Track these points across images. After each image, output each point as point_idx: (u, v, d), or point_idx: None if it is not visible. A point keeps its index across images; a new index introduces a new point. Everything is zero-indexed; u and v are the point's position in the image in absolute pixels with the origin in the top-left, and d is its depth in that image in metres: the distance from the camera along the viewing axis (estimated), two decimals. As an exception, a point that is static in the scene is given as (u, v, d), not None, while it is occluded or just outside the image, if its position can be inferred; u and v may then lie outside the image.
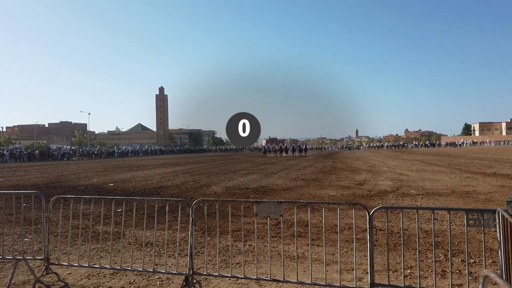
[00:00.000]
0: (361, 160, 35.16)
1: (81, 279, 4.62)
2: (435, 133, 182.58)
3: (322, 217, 7.14)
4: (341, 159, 39.28)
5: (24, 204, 8.12)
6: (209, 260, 5.13)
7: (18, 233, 6.81)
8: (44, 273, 4.48)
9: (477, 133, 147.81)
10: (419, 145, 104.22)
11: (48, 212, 4.51)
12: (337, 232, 6.52)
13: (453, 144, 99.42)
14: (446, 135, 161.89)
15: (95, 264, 4.55)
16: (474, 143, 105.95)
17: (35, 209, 8.49)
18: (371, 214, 3.60)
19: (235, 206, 8.99)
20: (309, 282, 3.78)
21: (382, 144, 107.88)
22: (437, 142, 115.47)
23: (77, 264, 4.52)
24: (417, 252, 3.62)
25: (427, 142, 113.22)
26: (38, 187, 15.50)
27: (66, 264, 4.56)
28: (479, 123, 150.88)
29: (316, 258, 5.20)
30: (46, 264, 4.48)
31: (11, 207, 8.93)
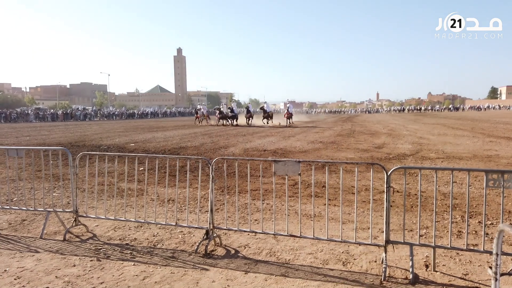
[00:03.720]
0: (381, 123, 34.66)
1: (108, 231, 4.89)
2: (460, 96, 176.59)
3: (339, 178, 7.21)
4: (360, 122, 38.82)
5: (51, 162, 8.46)
6: (228, 217, 5.32)
7: (46, 187, 7.16)
8: (73, 225, 4.76)
9: (503, 97, 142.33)
10: (441, 108, 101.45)
11: (75, 168, 4.71)
12: (354, 193, 6.61)
13: (477, 108, 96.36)
14: (471, 99, 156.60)
15: (120, 217, 4.79)
16: (500, 107, 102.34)
17: (62, 165, 8.84)
18: (389, 174, 3.62)
19: (252, 166, 9.14)
20: (325, 238, 3.90)
21: (403, 108, 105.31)
22: (461, 106, 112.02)
23: (104, 217, 4.77)
24: (434, 213, 3.66)
25: (450, 105, 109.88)
26: (63, 146, 16.03)
27: (94, 216, 4.82)
28: (507, 86, 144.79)
29: (332, 217, 5.31)
30: (75, 216, 4.75)
31: (38, 164, 9.33)
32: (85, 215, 4.84)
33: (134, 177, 7.68)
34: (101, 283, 3.43)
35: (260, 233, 4.24)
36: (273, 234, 4.20)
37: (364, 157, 11.59)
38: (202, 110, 37.98)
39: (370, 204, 3.89)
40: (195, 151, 13.74)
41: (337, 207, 5.71)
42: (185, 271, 3.68)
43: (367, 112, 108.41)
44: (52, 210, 4.88)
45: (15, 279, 3.50)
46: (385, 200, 3.60)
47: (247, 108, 34.80)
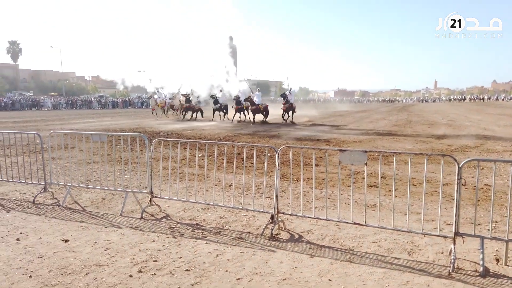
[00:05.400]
0: (439, 113, 32.96)
1: (179, 211, 5.28)
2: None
3: (397, 169, 7.12)
4: (417, 112, 37.17)
5: (118, 146, 9.16)
6: (288, 203, 5.50)
7: (118, 170, 7.77)
8: (148, 205, 5.19)
9: None
10: (508, 98, 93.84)
11: (151, 152, 5.12)
12: (415, 185, 6.50)
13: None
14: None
15: (191, 199, 5.14)
16: None
17: (131, 150, 9.52)
18: (460, 166, 3.58)
19: (308, 155, 9.22)
20: (391, 227, 3.95)
21: (464, 97, 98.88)
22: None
23: (176, 198, 5.16)
24: (508, 207, 3.57)
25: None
26: (126, 131, 17.08)
27: (167, 198, 5.22)
28: None
29: (395, 208, 5.30)
30: (150, 197, 5.18)
31: (108, 147, 10.11)
32: (159, 196, 5.25)
33: (195, 163, 8.10)
34: (180, 257, 3.76)
35: (323, 219, 4.38)
36: (337, 221, 4.32)
37: (424, 148, 11.21)
38: (157, 99, 28.26)
39: (440, 196, 3.86)
40: (249, 139, 14.05)
41: (398, 198, 5.68)
42: (253, 251, 3.92)
43: (423, 101, 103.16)
44: (130, 190, 5.35)
45: (105, 250, 3.94)
46: (455, 192, 3.57)
47: (237, 99, 23.41)
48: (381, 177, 7.13)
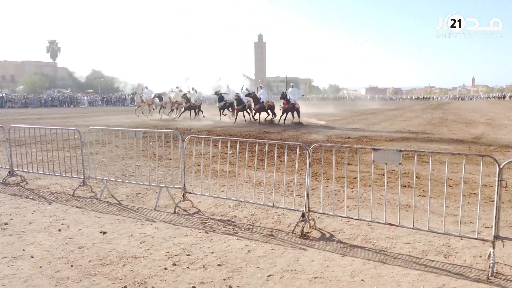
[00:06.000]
0: (477, 112, 31.64)
1: (210, 207, 5.37)
2: None
3: (432, 170, 6.92)
4: (453, 110, 35.86)
5: (151, 142, 9.41)
6: (319, 202, 5.47)
7: (152, 165, 7.99)
8: (181, 200, 5.31)
9: None
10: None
11: (184, 149, 5.24)
12: (451, 185, 6.30)
13: None
14: None
15: (222, 196, 5.22)
16: None
17: (165, 146, 9.76)
18: (501, 167, 3.44)
19: (338, 154, 9.12)
20: (426, 229, 3.85)
21: (504, 95, 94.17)
22: None
23: (207, 194, 5.25)
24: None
25: None
26: (158, 128, 17.50)
27: (199, 193, 5.33)
28: None
29: (430, 209, 5.16)
30: (183, 192, 5.30)
31: (142, 144, 10.41)
32: (191, 192, 5.37)
33: (226, 160, 8.20)
34: (212, 252, 3.84)
35: (355, 219, 4.33)
36: (369, 221, 4.26)
37: (460, 148, 10.82)
38: (143, 96, 25.92)
39: (478, 197, 3.73)
40: (278, 136, 14.05)
41: (433, 199, 5.52)
42: (284, 248, 3.94)
43: (460, 99, 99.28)
44: (164, 185, 5.50)
45: (140, 243, 4.08)
46: (495, 193, 3.44)
47: (237, 98, 21.03)
48: (417, 177, 6.95)
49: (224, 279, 3.29)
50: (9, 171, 6.81)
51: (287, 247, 3.97)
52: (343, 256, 3.75)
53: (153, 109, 25.94)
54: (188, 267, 3.51)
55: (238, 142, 5.24)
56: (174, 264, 3.56)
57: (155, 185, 5.64)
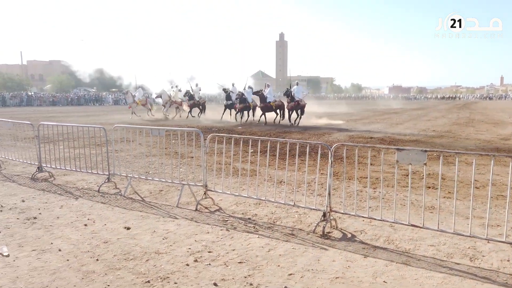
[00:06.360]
0: (506, 111, 30.58)
1: (231, 205, 5.41)
2: None
3: (458, 171, 6.76)
4: (480, 110, 34.78)
5: (173, 140, 9.53)
6: (340, 202, 5.42)
7: (174, 163, 8.11)
8: (203, 197, 5.37)
9: None
10: None
11: (206, 147, 5.30)
12: (478, 187, 6.12)
13: None
14: None
15: (243, 194, 5.25)
16: None
17: (187, 145, 9.89)
18: (532, 169, 3.33)
19: (360, 154, 9.00)
20: (451, 231, 3.76)
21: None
22: None
23: (229, 192, 5.29)
24: None
25: None
26: (180, 127, 17.72)
27: (220, 191, 5.38)
28: None
29: (456, 211, 5.03)
30: (205, 190, 5.36)
31: (164, 141, 10.57)
32: (212, 190, 5.42)
33: (246, 158, 8.24)
34: (233, 250, 3.87)
35: (378, 220, 4.27)
36: (392, 222, 4.19)
37: (488, 149, 10.49)
38: (135, 96, 24.34)
39: (507, 200, 3.61)
40: (299, 136, 13.99)
41: (459, 200, 5.38)
42: (305, 248, 3.93)
43: (487, 98, 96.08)
44: (186, 183, 5.57)
45: (163, 239, 4.16)
46: (526, 196, 3.32)
47: (240, 96, 19.77)
48: (443, 178, 6.79)
49: (245, 277, 3.31)
50: (38, 167, 7.06)
51: (308, 247, 3.96)
52: (365, 257, 3.71)
53: (149, 110, 24.67)
54: (209, 264, 3.55)
55: (260, 141, 5.26)
56: (196, 261, 3.61)
57: (177, 182, 5.72)
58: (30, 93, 53.45)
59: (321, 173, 6.75)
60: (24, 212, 5.05)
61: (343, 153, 5.00)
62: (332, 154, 4.40)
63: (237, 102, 20.02)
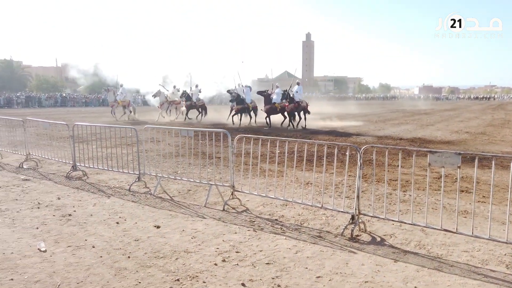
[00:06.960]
0: (545, 112, 29.10)
1: (258, 206, 5.43)
2: None
3: (494, 174, 6.49)
4: (517, 111, 33.25)
5: (201, 141, 9.64)
6: (369, 205, 5.33)
7: (202, 164, 8.22)
8: (230, 198, 5.42)
9: None
10: None
11: (233, 148, 5.34)
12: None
13: None
14: None
15: (270, 195, 5.26)
16: None
17: (215, 145, 10.00)
18: None
19: (390, 156, 8.81)
20: (486, 237, 3.63)
21: None
22: None
23: (256, 193, 5.31)
24: None
25: None
26: (208, 128, 17.94)
27: (247, 192, 5.41)
28: None
29: (492, 216, 4.85)
30: (232, 190, 5.40)
31: (191, 142, 10.71)
32: (239, 190, 5.46)
33: (274, 159, 8.23)
34: (260, 250, 3.88)
35: (408, 224, 4.17)
36: (423, 227, 4.09)
37: (525, 151, 10.03)
38: (118, 95, 23.09)
39: (547, 206, 3.45)
40: (326, 137, 13.85)
41: (495, 205, 5.17)
42: (333, 251, 3.89)
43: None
44: (213, 183, 5.64)
45: (191, 238, 4.22)
46: None
47: (238, 96, 18.40)
48: (477, 182, 6.55)
49: (273, 278, 3.31)
50: (72, 166, 7.33)
51: (336, 249, 3.92)
52: (395, 261, 3.63)
53: (130, 112, 23.20)
54: (237, 264, 3.58)
55: (287, 142, 5.25)
56: (224, 260, 3.65)
57: (205, 182, 5.80)
58: (64, 94, 55.56)
59: (349, 175, 6.65)
60: (59, 209, 5.26)
61: (372, 155, 4.91)
62: (361, 156, 4.34)
63: (233, 103, 18.50)
